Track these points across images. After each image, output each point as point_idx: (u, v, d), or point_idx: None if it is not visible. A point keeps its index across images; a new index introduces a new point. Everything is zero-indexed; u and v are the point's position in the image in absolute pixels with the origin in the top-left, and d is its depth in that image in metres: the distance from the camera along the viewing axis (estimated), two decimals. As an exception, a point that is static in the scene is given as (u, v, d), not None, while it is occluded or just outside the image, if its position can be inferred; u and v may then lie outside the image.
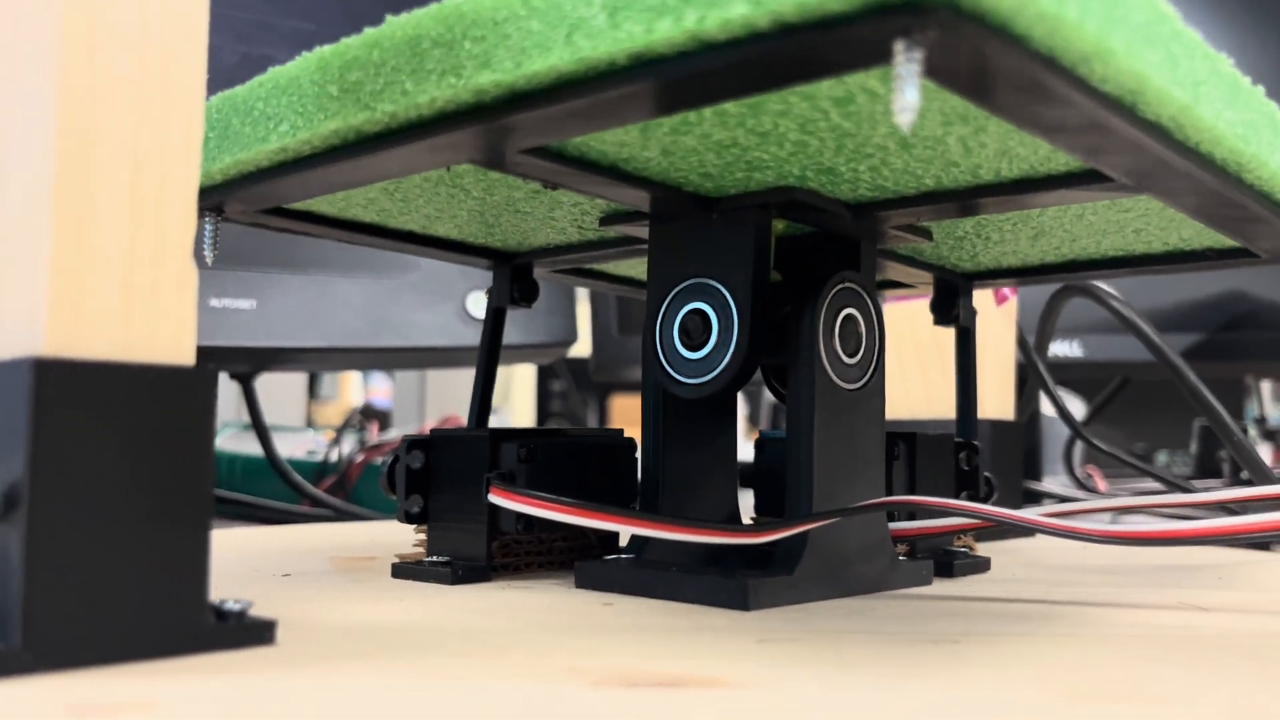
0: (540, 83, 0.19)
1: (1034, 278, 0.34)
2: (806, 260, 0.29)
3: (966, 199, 0.25)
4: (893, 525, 0.29)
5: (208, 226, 0.28)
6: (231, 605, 0.19)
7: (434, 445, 0.29)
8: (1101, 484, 0.85)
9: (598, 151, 0.23)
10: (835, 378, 0.26)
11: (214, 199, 0.27)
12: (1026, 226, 0.29)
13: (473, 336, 0.53)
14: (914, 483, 0.31)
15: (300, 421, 1.33)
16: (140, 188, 0.18)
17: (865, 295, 0.28)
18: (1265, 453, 0.92)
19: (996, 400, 0.43)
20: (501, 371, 0.35)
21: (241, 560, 0.31)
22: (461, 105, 0.20)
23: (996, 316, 0.44)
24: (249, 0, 0.48)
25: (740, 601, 0.23)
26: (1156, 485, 0.79)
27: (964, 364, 0.35)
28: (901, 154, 0.22)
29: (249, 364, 0.51)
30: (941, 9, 0.15)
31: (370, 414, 0.90)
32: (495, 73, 0.19)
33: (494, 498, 0.27)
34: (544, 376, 1.23)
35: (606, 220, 0.29)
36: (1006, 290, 0.44)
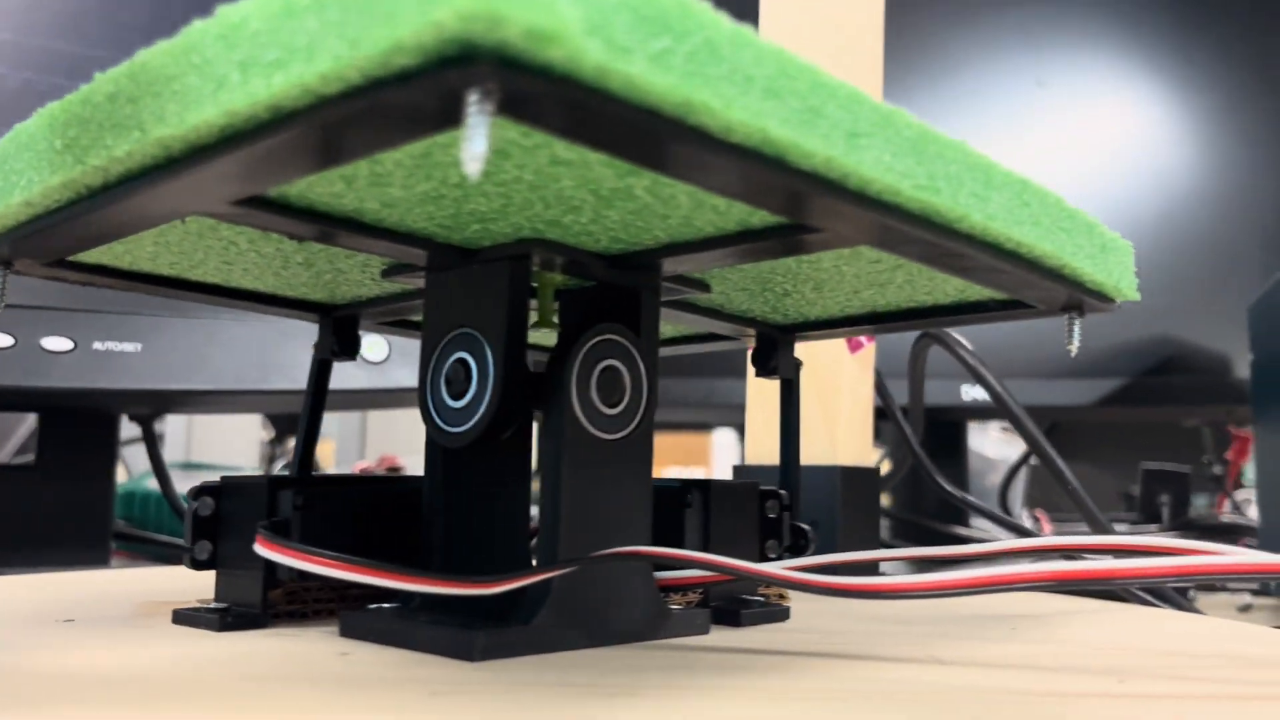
0: (205, 137, 0.19)
1: (843, 329, 0.34)
2: (587, 312, 0.30)
3: (692, 251, 0.25)
4: (660, 574, 0.29)
5: (-7, 275, 0.28)
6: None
7: (223, 492, 0.30)
8: (1047, 527, 0.84)
9: (324, 203, 0.24)
10: (590, 428, 0.27)
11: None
12: (802, 281, 0.29)
13: (366, 379, 0.53)
14: (709, 532, 0.31)
15: (255, 461, 1.33)
16: None
17: (632, 347, 0.28)
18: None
19: (853, 447, 0.43)
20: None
21: (51, 602, 0.31)
22: (152, 159, 0.21)
23: (852, 364, 0.44)
24: (39, 24, 0.49)
25: (466, 652, 0.23)
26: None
27: (785, 414, 0.35)
28: (605, 209, 0.23)
29: (135, 407, 0.52)
30: (494, 61, 0.15)
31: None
32: (168, 127, 0.20)
33: (259, 548, 0.27)
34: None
35: (387, 273, 0.29)
36: (861, 337, 0.44)
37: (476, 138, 0.16)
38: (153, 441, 0.56)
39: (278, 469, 0.86)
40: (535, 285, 0.29)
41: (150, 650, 0.24)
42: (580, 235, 0.25)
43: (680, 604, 0.30)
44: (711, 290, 0.30)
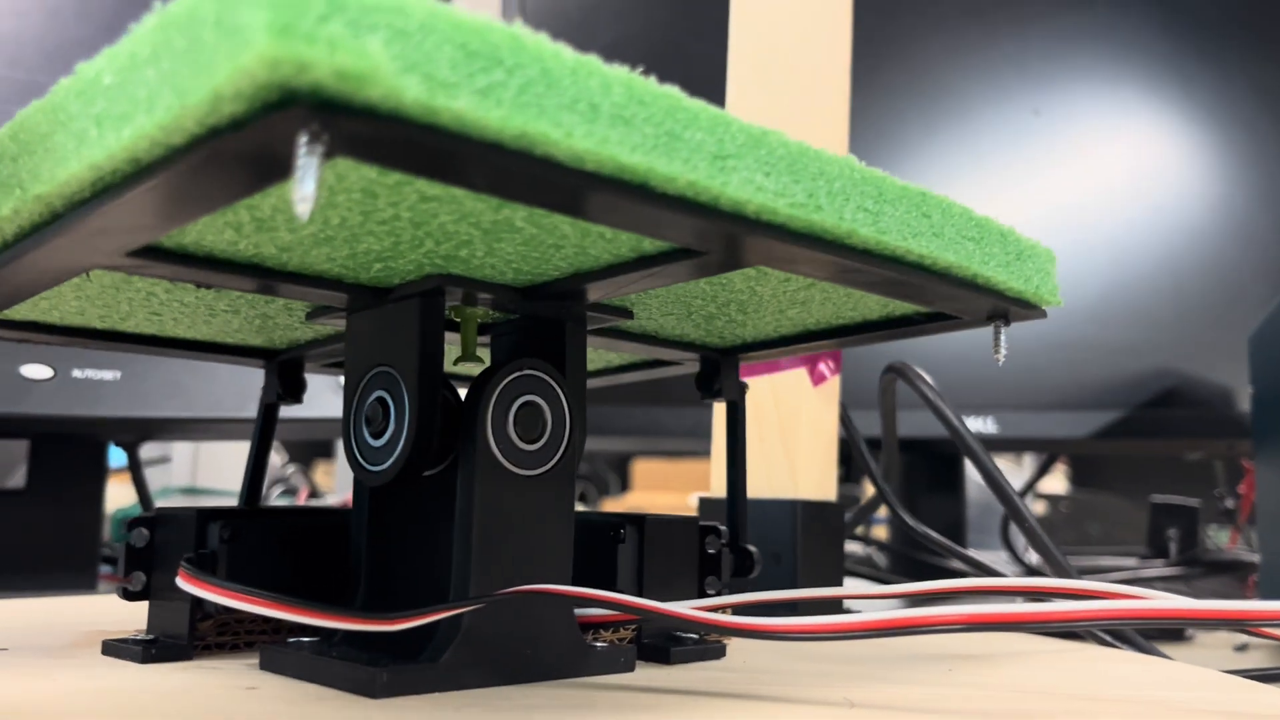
0: (78, 192, 0.20)
1: (780, 349, 0.34)
2: (513, 345, 0.30)
3: (600, 279, 0.25)
4: (586, 611, 0.29)
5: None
6: None
7: (157, 523, 0.30)
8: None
9: (222, 250, 0.24)
10: (506, 463, 0.26)
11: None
12: (722, 303, 0.29)
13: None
14: (643, 569, 0.30)
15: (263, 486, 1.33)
16: None
17: (552, 380, 0.28)
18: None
19: (815, 480, 0.43)
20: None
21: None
22: (39, 216, 0.21)
23: (815, 396, 0.43)
24: (25, 59, 0.50)
25: (368, 689, 0.23)
26: (1119, 563, 0.76)
27: (731, 438, 0.35)
28: (495, 242, 0.23)
29: (115, 434, 0.53)
30: (312, 104, 0.15)
31: (302, 478, 0.91)
32: (43, 184, 0.20)
33: (180, 581, 0.27)
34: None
35: (310, 315, 0.30)
36: (824, 370, 0.44)
37: (305, 179, 0.16)
38: (137, 467, 0.56)
39: (277, 496, 0.86)
40: (459, 320, 0.30)
41: (62, 681, 0.24)
42: (484, 269, 0.26)
43: (609, 641, 0.30)
44: (634, 316, 0.30)
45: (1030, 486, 0.78)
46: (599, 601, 0.25)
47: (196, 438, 0.68)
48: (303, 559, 0.29)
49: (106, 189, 0.19)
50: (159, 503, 0.51)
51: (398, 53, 0.15)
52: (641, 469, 1.40)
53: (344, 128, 0.16)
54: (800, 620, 0.24)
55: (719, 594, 0.32)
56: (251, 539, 0.29)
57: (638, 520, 0.31)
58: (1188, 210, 0.71)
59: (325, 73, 0.15)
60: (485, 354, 0.33)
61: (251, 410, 0.50)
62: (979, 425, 0.66)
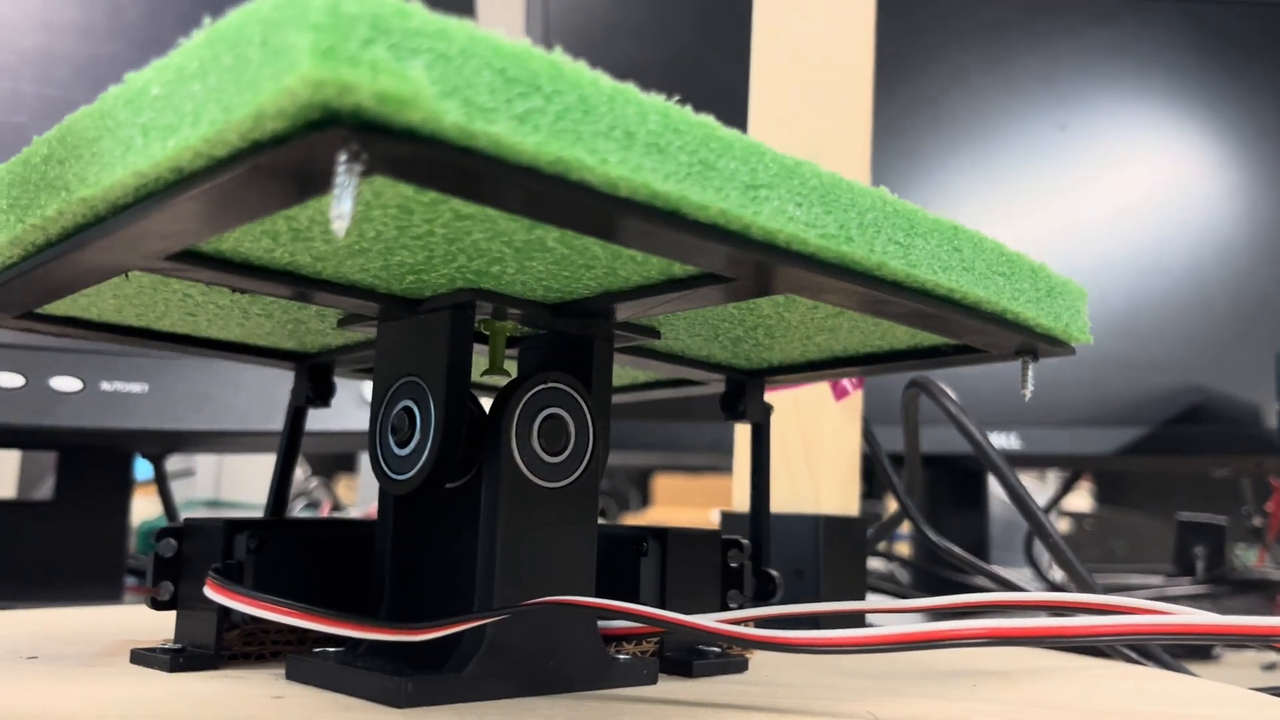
0: (122, 196, 0.20)
1: (807, 374, 0.34)
2: (541, 359, 0.30)
3: (630, 299, 0.25)
4: (609, 624, 0.29)
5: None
6: None
7: (185, 534, 0.30)
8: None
9: (258, 257, 0.24)
10: (531, 475, 0.27)
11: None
12: (750, 327, 0.29)
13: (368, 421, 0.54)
14: (665, 582, 0.30)
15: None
16: None
17: (578, 395, 0.28)
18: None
19: (838, 496, 0.43)
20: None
21: (24, 639, 0.32)
22: (82, 218, 0.22)
23: (837, 411, 0.43)
24: (58, 75, 0.51)
25: (393, 699, 0.24)
26: (1145, 581, 0.76)
27: (756, 459, 0.35)
28: (526, 260, 0.23)
29: (143, 446, 0.53)
30: (354, 125, 0.15)
31: (325, 491, 0.92)
32: (88, 187, 0.20)
33: (208, 591, 0.27)
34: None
35: (343, 322, 0.30)
36: (847, 385, 0.44)
37: (343, 198, 0.16)
38: (163, 479, 0.57)
39: (301, 509, 0.87)
40: (488, 333, 0.30)
41: (91, 689, 0.25)
42: (515, 285, 0.26)
43: (632, 653, 0.30)
44: (661, 336, 0.30)
45: (1054, 503, 0.78)
46: (622, 613, 0.25)
47: (223, 450, 0.69)
48: (328, 569, 0.30)
49: (149, 195, 0.20)
50: (184, 515, 0.51)
51: (439, 77, 0.16)
52: (663, 484, 1.40)
53: (383, 148, 0.16)
54: (823, 634, 0.24)
55: (741, 608, 0.33)
56: (278, 549, 0.29)
57: (660, 533, 0.31)
58: (1214, 225, 0.71)
59: (367, 95, 0.15)
60: (513, 366, 0.33)
61: (277, 423, 0.51)
62: (1003, 441, 0.65)
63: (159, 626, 0.36)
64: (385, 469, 0.28)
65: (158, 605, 0.30)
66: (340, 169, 0.16)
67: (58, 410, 0.48)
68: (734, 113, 0.49)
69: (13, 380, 0.48)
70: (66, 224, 0.22)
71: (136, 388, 0.50)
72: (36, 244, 0.24)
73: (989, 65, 0.72)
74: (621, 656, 0.28)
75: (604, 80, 0.18)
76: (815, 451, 0.43)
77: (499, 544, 0.26)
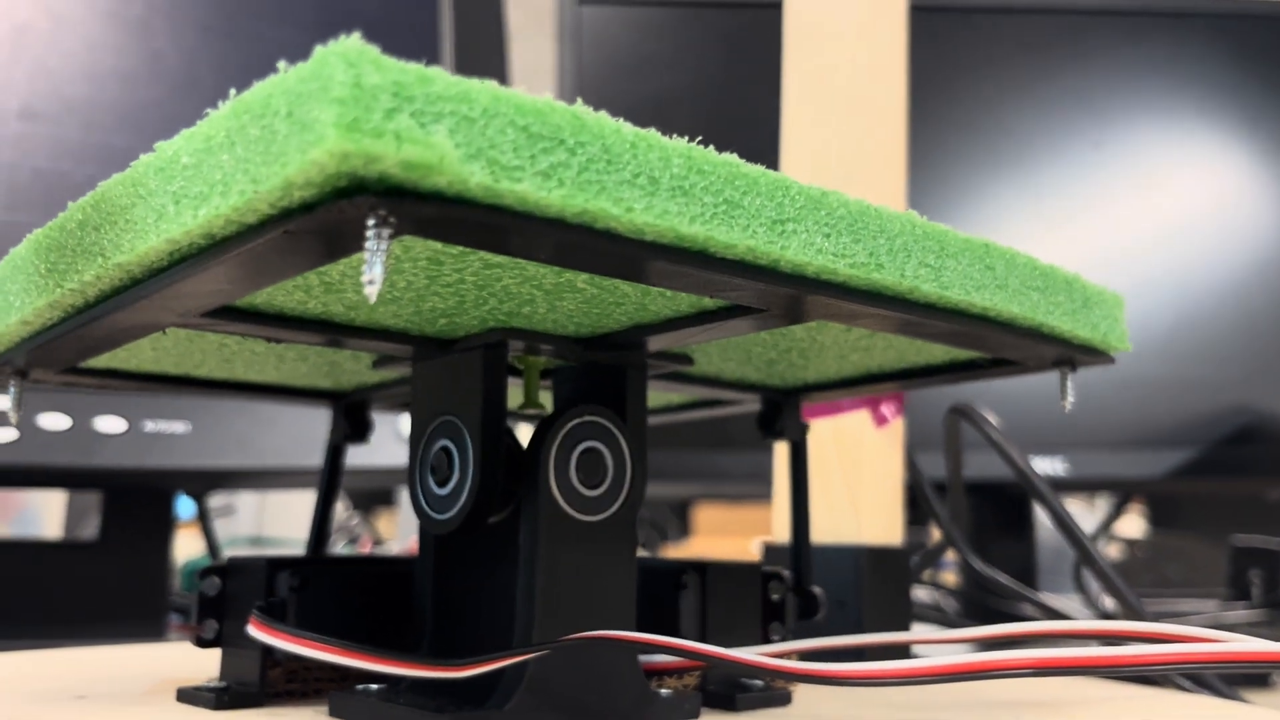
0: (156, 261, 0.20)
1: (843, 391, 0.34)
2: (575, 391, 0.30)
3: (661, 331, 0.25)
4: (651, 658, 0.29)
5: (12, 388, 0.30)
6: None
7: (228, 573, 0.31)
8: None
9: (291, 309, 0.25)
10: (568, 509, 0.27)
11: (12, 363, 0.29)
12: (784, 350, 0.29)
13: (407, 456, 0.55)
14: (706, 616, 0.30)
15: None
16: None
17: (614, 427, 0.28)
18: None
19: (880, 526, 0.42)
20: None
21: (72, 678, 0.33)
22: (119, 281, 0.22)
23: (878, 439, 0.43)
24: (101, 122, 0.52)
25: (435, 739, 0.24)
26: (1199, 607, 0.74)
27: (795, 478, 0.35)
28: (556, 300, 0.23)
29: (186, 485, 0.54)
30: (382, 192, 0.16)
31: (365, 527, 0.93)
32: (123, 254, 0.21)
33: (251, 630, 0.28)
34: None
35: (377, 364, 0.30)
36: (886, 412, 0.43)
37: (374, 264, 0.16)
38: (205, 517, 0.58)
39: (342, 545, 0.88)
40: (521, 367, 0.30)
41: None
42: (546, 322, 0.26)
43: (674, 688, 0.30)
44: (695, 363, 0.30)
45: (1104, 528, 0.76)
46: (663, 648, 0.25)
47: (264, 487, 0.69)
48: (369, 606, 0.30)
49: (183, 259, 0.20)
50: (226, 552, 0.52)
51: (462, 140, 0.16)
52: (703, 514, 1.39)
53: (410, 211, 0.16)
54: (867, 666, 0.23)
55: (783, 640, 0.32)
56: (320, 587, 0.29)
57: (700, 567, 0.31)
58: (1257, 241, 0.69)
59: (392, 164, 0.15)
60: (547, 398, 0.33)
61: (316, 459, 0.51)
62: (1048, 466, 0.64)
63: (204, 665, 0.37)
64: (426, 508, 0.28)
65: (202, 643, 0.30)
66: (370, 235, 0.16)
67: (103, 451, 0.49)
68: (767, 140, 0.49)
69: (59, 422, 0.49)
70: (104, 287, 0.22)
71: (179, 427, 0.51)
72: (75, 306, 0.24)
73: (1022, 86, 0.71)
74: (663, 691, 0.28)
75: (626, 128, 0.18)
76: (856, 480, 0.42)
77: (539, 579, 0.26)
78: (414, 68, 0.15)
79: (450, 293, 0.23)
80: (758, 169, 0.20)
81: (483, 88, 0.16)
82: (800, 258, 0.20)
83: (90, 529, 0.60)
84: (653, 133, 0.18)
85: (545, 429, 0.27)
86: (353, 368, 0.32)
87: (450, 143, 0.15)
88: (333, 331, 0.26)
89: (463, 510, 0.27)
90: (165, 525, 0.55)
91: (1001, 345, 0.26)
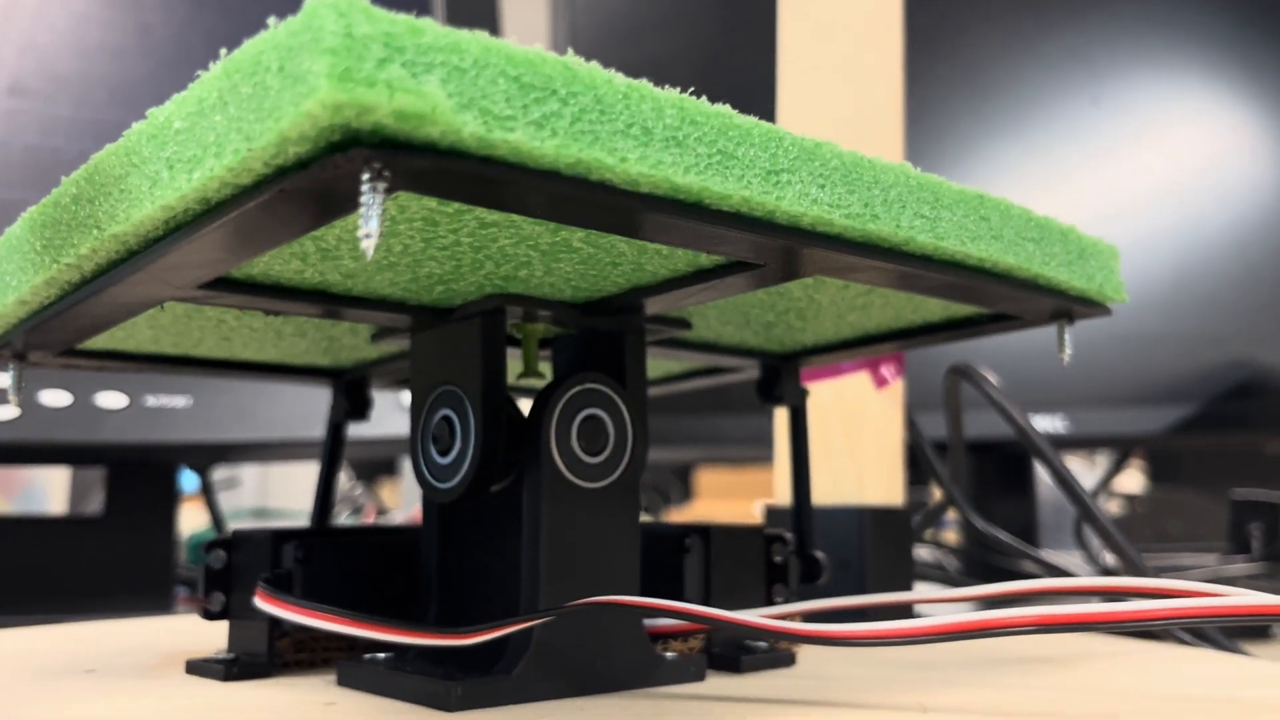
0: (152, 230, 0.20)
1: (842, 353, 0.34)
2: (574, 358, 0.30)
3: (659, 293, 0.25)
4: (655, 621, 0.29)
5: (11, 371, 0.30)
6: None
7: (234, 545, 0.31)
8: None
9: (288, 279, 0.24)
10: (571, 476, 0.27)
11: (11, 345, 0.29)
12: (781, 311, 0.29)
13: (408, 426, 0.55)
14: (710, 578, 0.30)
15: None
16: None
17: (614, 393, 0.28)
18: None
19: (882, 486, 0.42)
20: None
21: (83, 653, 0.33)
22: (115, 254, 0.22)
23: (879, 400, 0.43)
24: (92, 98, 0.52)
25: (444, 702, 0.24)
26: (1199, 561, 0.74)
27: (795, 443, 0.35)
28: (553, 262, 0.23)
29: (188, 459, 0.54)
30: (376, 144, 0.16)
31: (368, 496, 0.93)
32: (118, 224, 0.21)
33: (258, 601, 0.28)
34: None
35: (375, 336, 0.30)
36: (886, 373, 0.43)
37: (370, 218, 0.16)
38: (209, 490, 0.58)
39: (346, 515, 0.88)
40: (520, 336, 0.30)
41: (148, 701, 0.25)
42: (543, 287, 0.26)
43: (679, 651, 0.30)
44: (692, 327, 0.30)
45: (1103, 485, 0.76)
46: (668, 612, 0.25)
47: (266, 459, 0.70)
48: (375, 575, 0.30)
49: (178, 227, 0.20)
50: (231, 525, 0.52)
51: (454, 90, 0.16)
52: (705, 478, 1.40)
53: (404, 164, 0.16)
54: (871, 626, 0.24)
55: (787, 602, 0.32)
56: (325, 558, 0.29)
57: (703, 530, 0.31)
58: (1257, 194, 0.69)
59: (385, 114, 0.15)
60: (546, 368, 0.33)
61: (318, 431, 0.51)
62: (1048, 424, 0.64)
63: (212, 637, 0.37)
64: (429, 478, 0.28)
65: (210, 615, 0.30)
66: (365, 189, 0.16)
67: (105, 426, 0.49)
68: (763, 102, 0.49)
69: (61, 398, 0.49)
70: (100, 261, 0.22)
71: (180, 401, 0.51)
72: (72, 282, 0.24)
73: (1019, 40, 0.71)
74: (669, 654, 0.28)
75: (618, 79, 0.18)
76: (857, 442, 0.43)
77: (543, 547, 0.26)
78: (404, 18, 0.15)
79: (446, 256, 0.23)
80: (751, 120, 0.20)
81: (473, 38, 0.16)
82: (795, 208, 0.20)
83: (95, 504, 0.60)
84: (645, 83, 0.18)
85: (546, 397, 0.27)
86: (351, 343, 0.32)
87: (443, 92, 0.15)
88: (330, 302, 0.26)
89: (465, 479, 0.27)
90: (169, 499, 0.55)
91: (998, 298, 0.26)
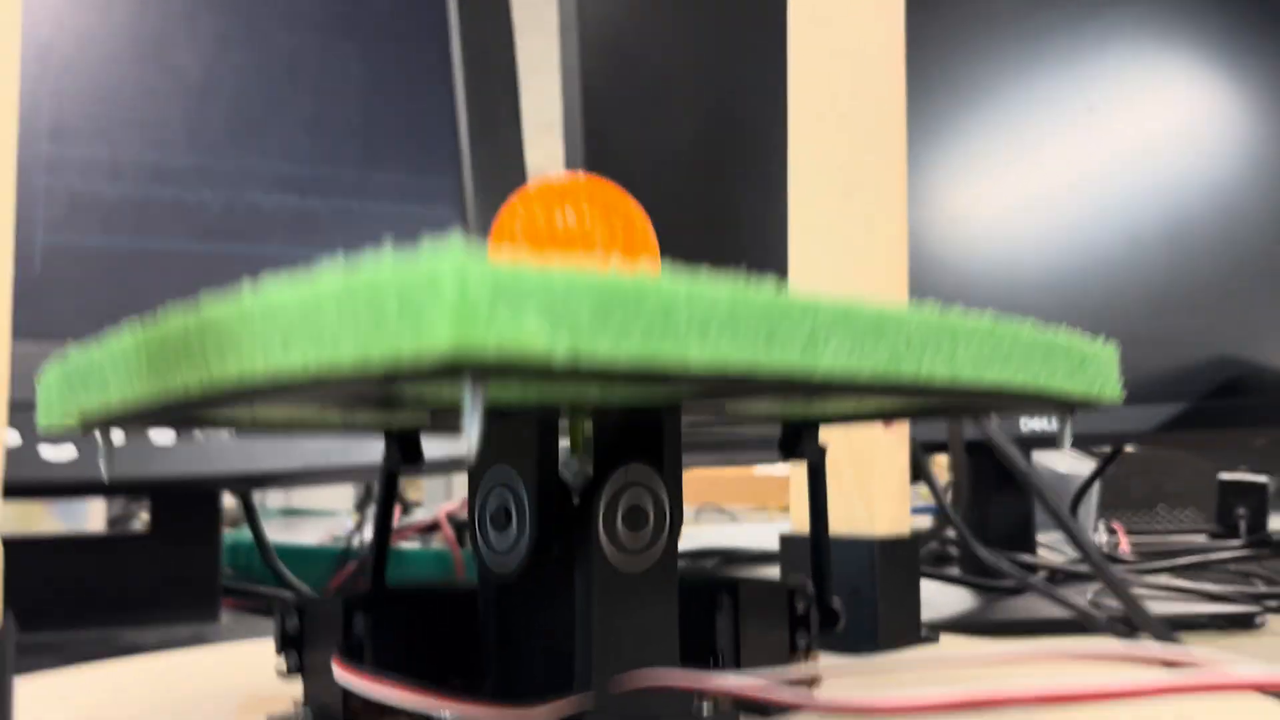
0: (260, 383, 0.23)
1: (864, 421, 0.37)
2: (614, 435, 0.33)
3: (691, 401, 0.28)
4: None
5: (101, 446, 0.33)
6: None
7: (304, 610, 0.34)
8: (1125, 543, 0.83)
9: (367, 396, 0.27)
10: (618, 562, 0.30)
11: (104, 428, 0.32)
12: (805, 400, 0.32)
13: (438, 450, 0.58)
14: (739, 632, 0.34)
15: (349, 506, 1.42)
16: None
17: (655, 471, 0.31)
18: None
19: (890, 518, 0.45)
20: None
21: (160, 697, 0.36)
22: (220, 390, 0.25)
23: (886, 437, 0.46)
24: (128, 139, 0.54)
25: (512, 770, 0.27)
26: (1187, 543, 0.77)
27: (814, 498, 0.38)
28: (605, 394, 0.26)
29: (230, 488, 0.58)
30: (478, 370, 0.18)
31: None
32: (229, 373, 0.23)
33: (337, 674, 0.31)
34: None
35: (435, 415, 0.33)
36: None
37: (471, 430, 0.19)
38: (252, 511, 0.62)
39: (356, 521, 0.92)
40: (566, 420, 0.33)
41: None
42: (597, 401, 0.28)
43: (713, 699, 0.33)
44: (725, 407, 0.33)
45: (1093, 480, 0.80)
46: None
47: (307, 485, 0.73)
48: (443, 638, 0.33)
49: (285, 387, 0.23)
50: (264, 524, 0.56)
51: (548, 320, 0.18)
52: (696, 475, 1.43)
53: (503, 379, 0.19)
54: (898, 699, 0.26)
55: (808, 646, 0.36)
56: (397, 624, 0.32)
57: (732, 589, 0.34)
58: (1245, 192, 0.71)
59: (493, 352, 0.18)
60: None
61: (355, 457, 0.55)
62: (1039, 423, 0.67)
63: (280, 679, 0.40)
64: (485, 554, 0.31)
65: (287, 672, 0.34)
66: (468, 406, 0.19)
67: (153, 461, 0.52)
68: (771, 111, 0.50)
69: (115, 439, 0.52)
70: (207, 390, 0.25)
71: (223, 434, 0.54)
72: (174, 398, 0.27)
73: (1010, 46, 0.72)
74: (704, 705, 0.31)
75: (681, 285, 0.20)
76: (867, 471, 0.45)
77: (595, 629, 0.29)
78: (508, 266, 0.18)
79: (511, 396, 0.25)
80: (793, 295, 0.22)
81: (561, 274, 0.19)
82: (829, 367, 0.23)
83: (138, 522, 0.64)
84: (703, 280, 0.21)
85: (593, 491, 0.30)
86: (408, 416, 0.35)
87: (538, 325, 0.18)
88: (391, 406, 0.28)
89: (522, 559, 0.30)
90: (213, 520, 0.58)
91: (1005, 406, 0.29)
